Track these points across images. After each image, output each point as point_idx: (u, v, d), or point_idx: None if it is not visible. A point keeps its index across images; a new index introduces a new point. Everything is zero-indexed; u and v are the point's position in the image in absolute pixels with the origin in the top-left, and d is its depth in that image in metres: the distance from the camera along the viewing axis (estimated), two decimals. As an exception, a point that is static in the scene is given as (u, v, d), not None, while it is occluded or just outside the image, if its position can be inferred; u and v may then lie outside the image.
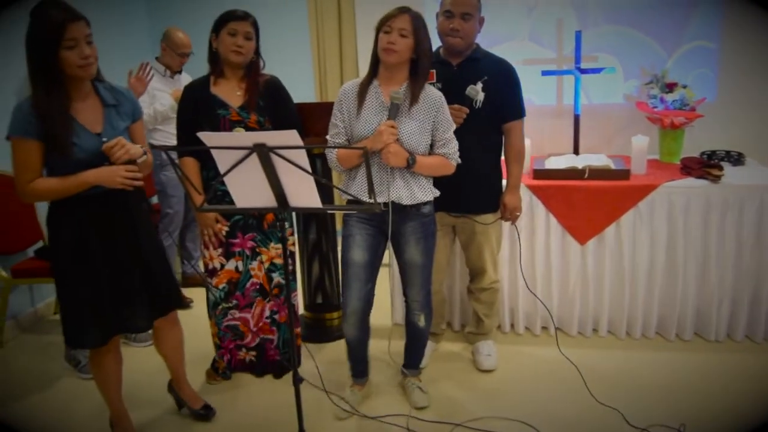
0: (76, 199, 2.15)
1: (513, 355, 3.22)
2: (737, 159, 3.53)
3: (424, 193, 2.53)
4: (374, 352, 2.97)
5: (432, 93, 2.49)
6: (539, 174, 3.27)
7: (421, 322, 2.73)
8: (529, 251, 3.26)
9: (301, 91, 3.78)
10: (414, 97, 2.44)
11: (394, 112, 2.37)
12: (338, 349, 3.29)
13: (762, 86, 3.98)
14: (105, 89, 2.25)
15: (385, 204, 2.46)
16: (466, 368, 3.12)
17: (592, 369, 3.03)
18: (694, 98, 3.60)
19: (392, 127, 2.35)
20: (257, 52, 2.76)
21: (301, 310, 3.57)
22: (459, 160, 2.58)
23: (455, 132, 2.67)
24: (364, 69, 4.34)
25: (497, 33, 4.12)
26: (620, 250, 3.20)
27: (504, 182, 3.00)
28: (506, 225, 3.12)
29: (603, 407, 2.71)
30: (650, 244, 3.18)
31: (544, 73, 3.81)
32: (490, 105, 2.78)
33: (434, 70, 2.82)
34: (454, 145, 2.55)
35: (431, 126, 2.48)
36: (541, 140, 3.85)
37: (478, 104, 2.75)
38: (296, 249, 3.19)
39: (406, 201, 2.49)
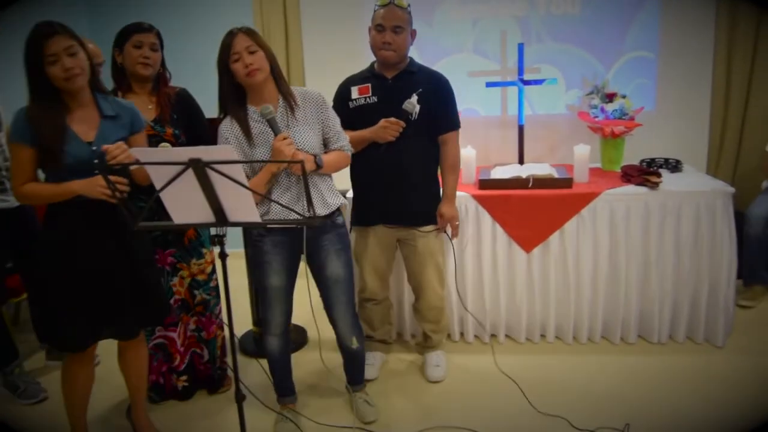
0: (70, 203, 2.21)
1: (463, 364, 3.24)
2: (675, 166, 3.64)
3: (334, 197, 2.52)
4: (319, 365, 2.95)
5: (310, 93, 2.48)
6: (485, 184, 3.32)
7: (354, 344, 2.71)
8: (476, 260, 3.30)
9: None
10: (291, 103, 2.41)
11: (275, 125, 2.32)
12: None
13: (697, 95, 4.13)
14: (105, 100, 2.31)
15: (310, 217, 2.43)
16: (416, 379, 3.13)
17: (540, 375, 3.08)
18: (633, 107, 3.70)
19: (284, 138, 2.30)
20: (163, 64, 2.73)
21: (250, 326, 3.54)
22: (352, 150, 2.60)
23: (391, 145, 2.71)
24: (310, 79, 4.39)
25: (443, 46, 4.18)
26: (564, 257, 3.26)
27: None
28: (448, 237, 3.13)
29: (551, 413, 2.75)
30: (593, 251, 3.25)
31: (489, 84, 3.87)
32: (426, 117, 2.81)
33: (369, 84, 2.85)
34: (344, 136, 2.56)
35: (320, 124, 2.47)
36: (486, 150, 3.91)
37: (414, 116, 2.77)
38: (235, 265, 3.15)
39: (321, 210, 2.46)
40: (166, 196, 1.90)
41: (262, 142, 2.38)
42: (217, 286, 2.98)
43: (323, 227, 2.50)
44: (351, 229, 3.03)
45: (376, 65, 2.90)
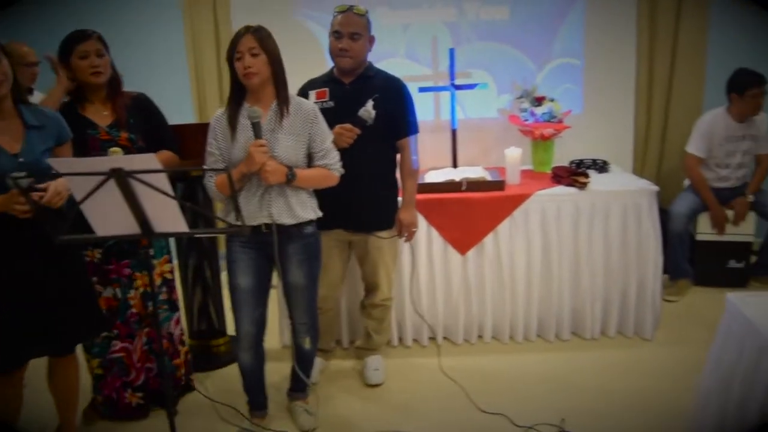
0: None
1: (402, 367, 3.25)
2: (602, 166, 3.76)
3: (305, 211, 2.50)
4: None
5: (305, 105, 2.48)
6: (419, 188, 3.33)
7: (307, 344, 2.70)
8: (413, 264, 3.31)
9: (180, 111, 3.69)
10: (283, 111, 2.41)
11: (258, 130, 2.32)
12: (228, 376, 3.19)
13: (622, 99, 4.27)
14: (29, 111, 2.23)
15: (267, 226, 2.42)
16: (356, 384, 3.12)
17: (480, 375, 3.12)
18: (561, 111, 3.80)
19: (261, 146, 2.30)
20: (113, 66, 2.64)
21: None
22: (342, 170, 2.57)
23: (347, 151, 2.69)
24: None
25: (375, 51, 4.17)
26: (499, 258, 3.32)
27: (400, 199, 3.03)
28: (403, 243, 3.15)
29: (491, 411, 2.79)
30: (526, 251, 3.31)
31: (421, 90, 3.90)
32: (383, 122, 2.81)
33: (327, 89, 2.84)
34: (334, 155, 2.54)
35: (307, 138, 2.45)
36: (421, 155, 3.90)
37: (370, 122, 2.78)
38: (176, 275, 3.08)
39: (287, 220, 2.45)
40: (87, 208, 1.84)
41: (243, 141, 2.39)
42: (169, 299, 2.89)
43: (290, 235, 2.48)
44: None
45: (334, 70, 2.89)
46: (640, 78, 4.27)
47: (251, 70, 2.31)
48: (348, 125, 2.71)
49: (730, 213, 3.94)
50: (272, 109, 2.41)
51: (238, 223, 1.91)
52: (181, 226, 1.89)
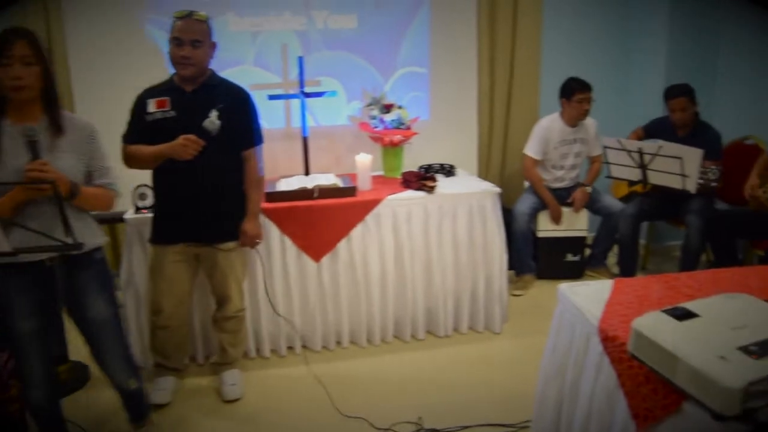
0: None
1: (261, 379, 3.19)
2: (449, 171, 3.92)
3: (91, 235, 2.25)
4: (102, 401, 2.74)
5: (80, 121, 2.23)
6: (271, 197, 3.30)
7: (133, 384, 2.48)
8: (267, 274, 3.27)
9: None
10: (57, 128, 2.13)
11: (36, 149, 2.04)
12: (68, 406, 2.96)
13: (466, 105, 4.48)
14: None
15: (51, 258, 2.16)
16: (213, 402, 3.02)
17: (340, 380, 3.13)
18: (409, 117, 3.92)
19: (43, 165, 2.02)
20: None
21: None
22: (120, 191, 2.36)
23: (191, 163, 2.60)
24: (79, 104, 4.03)
25: (223, 58, 4.09)
26: (353, 264, 3.35)
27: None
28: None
29: (353, 416, 2.81)
30: (379, 255, 3.38)
31: (271, 97, 3.87)
32: (227, 133, 2.74)
33: (168, 98, 2.72)
34: (113, 174, 2.32)
35: (86, 156, 2.22)
36: (273, 163, 3.89)
37: (215, 133, 2.69)
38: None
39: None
40: None
41: (10, 161, 2.06)
42: None
43: (80, 263, 2.23)
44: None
45: (175, 77, 2.77)
46: (481, 86, 4.49)
47: (22, 83, 2.01)
48: (192, 136, 2.62)
49: (566, 210, 4.24)
50: (43, 126, 2.12)
51: (69, 240, 1.76)
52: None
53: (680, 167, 3.64)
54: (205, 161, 2.66)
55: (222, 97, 2.76)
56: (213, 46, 2.79)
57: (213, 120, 2.68)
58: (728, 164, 4.05)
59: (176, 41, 2.67)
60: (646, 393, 1.59)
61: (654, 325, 1.54)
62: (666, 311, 1.60)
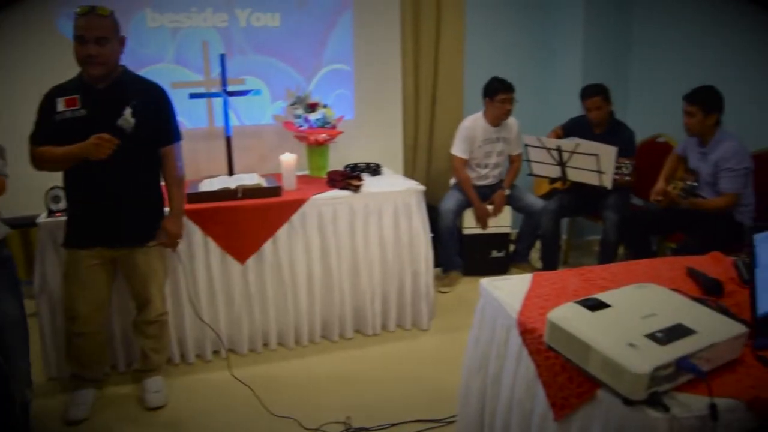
0: None
1: (186, 385, 3.11)
2: (375, 169, 3.93)
3: None
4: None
5: None
6: (193, 197, 3.22)
7: (29, 395, 2.38)
8: (190, 277, 3.19)
9: None
10: None
11: None
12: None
13: (391, 103, 4.49)
14: None
15: None
16: (135, 410, 2.92)
17: (268, 383, 3.08)
18: (334, 116, 3.91)
19: None
20: None
21: None
22: (7, 173, 2.33)
23: (105, 162, 2.51)
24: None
25: (141, 55, 3.97)
26: (279, 265, 3.31)
27: (167, 209, 2.89)
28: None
29: (282, 419, 2.78)
30: (306, 255, 3.35)
31: (192, 96, 3.78)
32: (143, 130, 2.65)
33: (77, 96, 2.61)
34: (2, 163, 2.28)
35: None
36: (196, 164, 3.81)
37: (129, 131, 2.60)
38: None
39: None
40: None
41: None
42: None
43: None
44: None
45: (84, 74, 2.64)
46: (406, 85, 4.53)
47: None
48: (106, 135, 2.52)
49: (490, 208, 4.33)
50: None
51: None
52: None
53: (596, 164, 3.78)
54: (120, 160, 2.57)
55: (135, 94, 2.67)
56: (122, 41, 2.67)
57: (127, 118, 2.59)
58: (642, 161, 4.24)
59: (80, 39, 2.55)
60: (562, 382, 1.64)
61: (568, 316, 1.59)
62: (579, 302, 1.65)
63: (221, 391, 3.04)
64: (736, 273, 2.19)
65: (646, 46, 4.73)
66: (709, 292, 2.03)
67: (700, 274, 2.13)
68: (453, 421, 2.70)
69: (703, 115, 3.47)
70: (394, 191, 3.51)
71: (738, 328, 1.58)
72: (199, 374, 3.23)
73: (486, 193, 4.36)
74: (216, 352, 3.37)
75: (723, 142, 3.49)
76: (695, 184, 3.54)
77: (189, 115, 3.98)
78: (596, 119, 4.13)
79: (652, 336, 1.49)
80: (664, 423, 1.38)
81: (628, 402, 1.41)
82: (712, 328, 1.55)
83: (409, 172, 4.58)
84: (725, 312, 1.74)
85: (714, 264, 2.32)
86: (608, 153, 3.74)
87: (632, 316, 1.60)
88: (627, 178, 3.84)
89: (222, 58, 3.77)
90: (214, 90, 3.89)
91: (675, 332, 1.51)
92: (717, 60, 4.12)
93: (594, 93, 4.09)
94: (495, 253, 4.44)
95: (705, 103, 3.47)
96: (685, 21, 4.37)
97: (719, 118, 3.50)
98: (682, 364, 1.43)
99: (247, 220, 3.22)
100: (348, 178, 3.50)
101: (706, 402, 1.39)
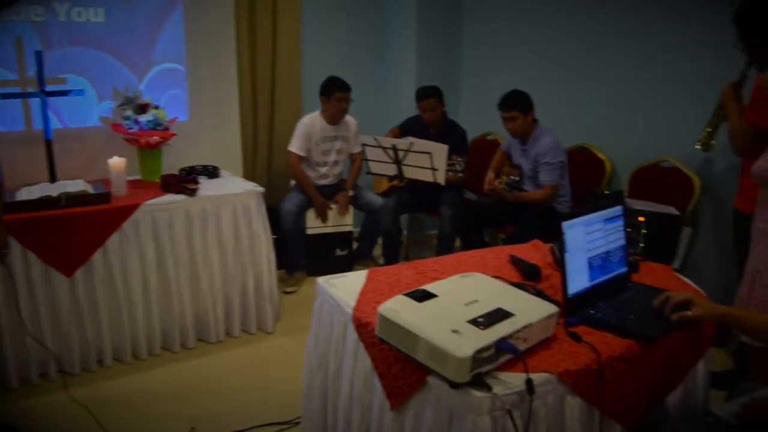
0: None
1: (10, 414, 2.84)
2: (213, 172, 3.83)
3: None
4: None
5: None
6: (9, 207, 2.95)
7: None
8: (9, 295, 2.92)
9: None
10: None
11: None
12: None
13: (227, 103, 4.39)
14: None
15: None
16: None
17: (106, 401, 2.92)
18: (167, 118, 3.75)
19: None
20: None
21: None
22: None
23: None
24: None
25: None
26: (111, 275, 3.13)
27: None
28: None
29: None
30: (140, 264, 3.20)
31: (5, 96, 3.46)
32: None
33: None
34: None
35: None
36: (12, 170, 3.49)
37: None
38: None
39: None
40: None
41: None
42: None
43: None
44: None
45: None
46: (243, 85, 4.46)
47: None
48: None
49: (334, 207, 4.37)
50: None
51: None
52: None
53: (430, 161, 3.95)
54: None
55: None
56: None
57: None
58: (474, 158, 4.50)
59: None
60: (395, 372, 1.70)
61: (396, 308, 1.65)
62: (407, 294, 1.72)
63: (53, 416, 2.82)
64: (552, 258, 2.39)
65: (474, 49, 5.02)
66: (528, 277, 2.20)
67: (521, 260, 2.31)
68: (299, 422, 2.71)
69: (523, 115, 3.77)
70: (233, 194, 3.45)
71: (551, 309, 1.72)
72: (24, 400, 2.96)
73: (329, 192, 4.41)
74: (44, 375, 3.11)
75: (540, 139, 3.80)
76: (518, 178, 3.83)
77: (2, 118, 3.64)
78: (431, 120, 4.31)
79: (473, 321, 1.59)
80: (486, 401, 1.47)
81: (454, 385, 1.49)
82: (528, 310, 1.69)
83: (250, 173, 4.52)
84: (540, 294, 1.89)
85: (534, 251, 2.52)
86: (440, 151, 3.92)
87: (456, 304, 1.69)
88: (459, 174, 4.05)
89: (38, 55, 3.49)
90: (30, 90, 3.58)
91: (494, 316, 1.62)
92: (535, 61, 4.48)
93: (428, 95, 4.28)
94: (339, 252, 4.50)
95: (520, 104, 3.77)
96: (510, 21, 4.70)
97: (533, 115, 3.82)
98: (501, 345, 1.54)
99: (72, 230, 3.01)
100: (183, 181, 3.39)
101: (524, 378, 1.51)
